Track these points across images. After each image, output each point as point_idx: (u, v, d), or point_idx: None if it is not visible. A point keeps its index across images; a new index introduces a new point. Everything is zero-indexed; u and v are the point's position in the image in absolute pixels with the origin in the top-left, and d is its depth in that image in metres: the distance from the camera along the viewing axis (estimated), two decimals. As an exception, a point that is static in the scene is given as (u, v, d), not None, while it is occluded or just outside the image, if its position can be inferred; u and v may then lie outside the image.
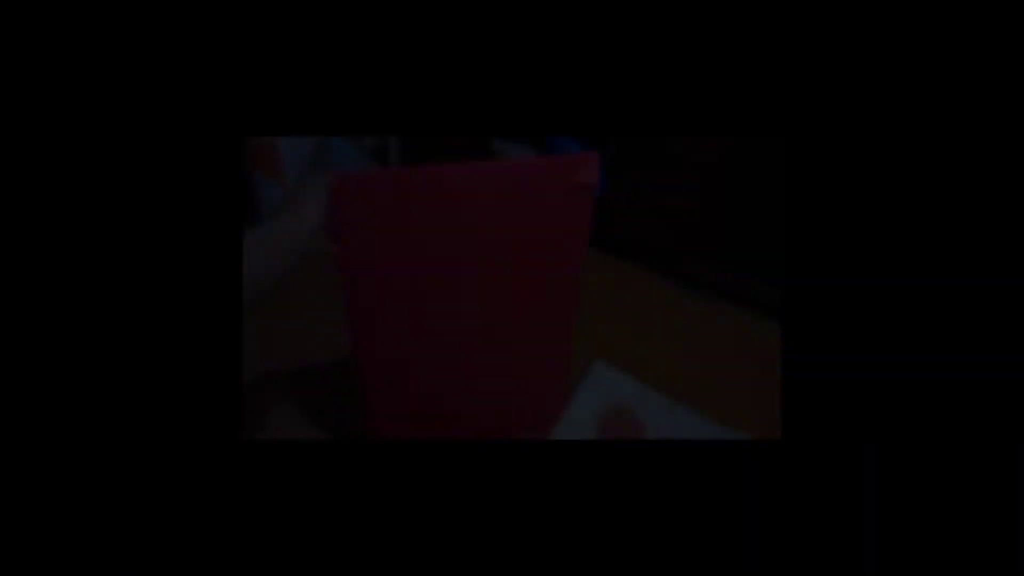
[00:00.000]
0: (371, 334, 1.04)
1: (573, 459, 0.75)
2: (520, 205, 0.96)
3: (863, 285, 0.66)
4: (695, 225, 1.62)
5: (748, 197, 1.50)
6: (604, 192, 1.72)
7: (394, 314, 1.02)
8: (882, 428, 0.65)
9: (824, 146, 0.68)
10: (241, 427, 1.18)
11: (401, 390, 1.13)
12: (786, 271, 0.79)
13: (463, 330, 1.08)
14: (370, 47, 0.72)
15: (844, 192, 0.67)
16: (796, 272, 0.68)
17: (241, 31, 0.68)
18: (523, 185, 0.95)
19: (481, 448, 0.75)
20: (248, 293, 0.76)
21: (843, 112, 0.68)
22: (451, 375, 1.14)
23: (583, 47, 0.75)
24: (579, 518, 0.71)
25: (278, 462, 0.71)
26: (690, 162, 1.53)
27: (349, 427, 1.27)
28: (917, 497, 0.64)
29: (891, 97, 0.66)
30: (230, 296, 0.65)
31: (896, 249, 0.66)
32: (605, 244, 1.81)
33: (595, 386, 1.43)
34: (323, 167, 1.76)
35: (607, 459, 0.75)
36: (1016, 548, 0.61)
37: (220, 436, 0.65)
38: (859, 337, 0.66)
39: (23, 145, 0.59)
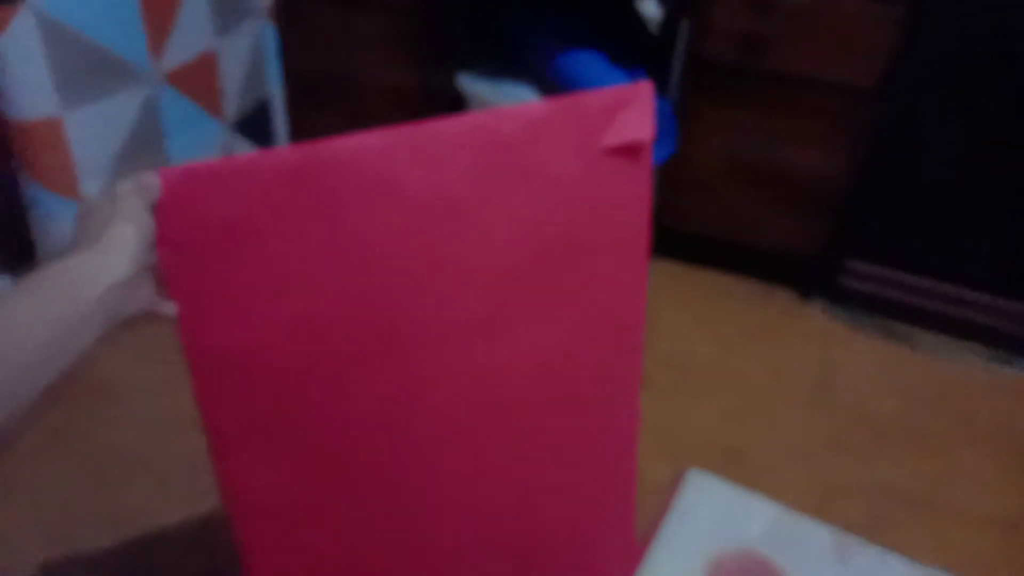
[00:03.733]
0: (243, 456, 0.82)
1: None
2: (514, 196, 0.79)
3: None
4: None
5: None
6: (671, 152, 1.55)
7: (284, 417, 0.81)
8: None
9: None
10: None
11: (306, 553, 0.89)
12: None
13: (417, 436, 0.86)
14: None
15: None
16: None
17: None
18: (517, 156, 0.78)
19: None
20: (14, 391, 0.64)
21: None
22: (398, 527, 0.90)
23: None
24: None
25: None
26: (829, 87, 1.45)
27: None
28: None
29: None
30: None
31: None
32: (679, 246, 1.75)
33: (695, 518, 1.22)
34: (147, 161, 1.60)
35: None
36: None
37: None
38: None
39: None
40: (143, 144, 1.52)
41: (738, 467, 1.30)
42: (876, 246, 1.62)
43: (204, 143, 1.67)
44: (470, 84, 1.69)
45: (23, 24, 1.19)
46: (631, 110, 0.79)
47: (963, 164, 1.51)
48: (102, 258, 0.69)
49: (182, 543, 1.19)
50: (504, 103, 1.65)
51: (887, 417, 1.42)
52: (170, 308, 0.75)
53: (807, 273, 1.68)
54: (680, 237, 1.73)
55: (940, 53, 1.43)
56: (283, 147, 1.70)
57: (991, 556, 1.17)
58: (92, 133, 1.41)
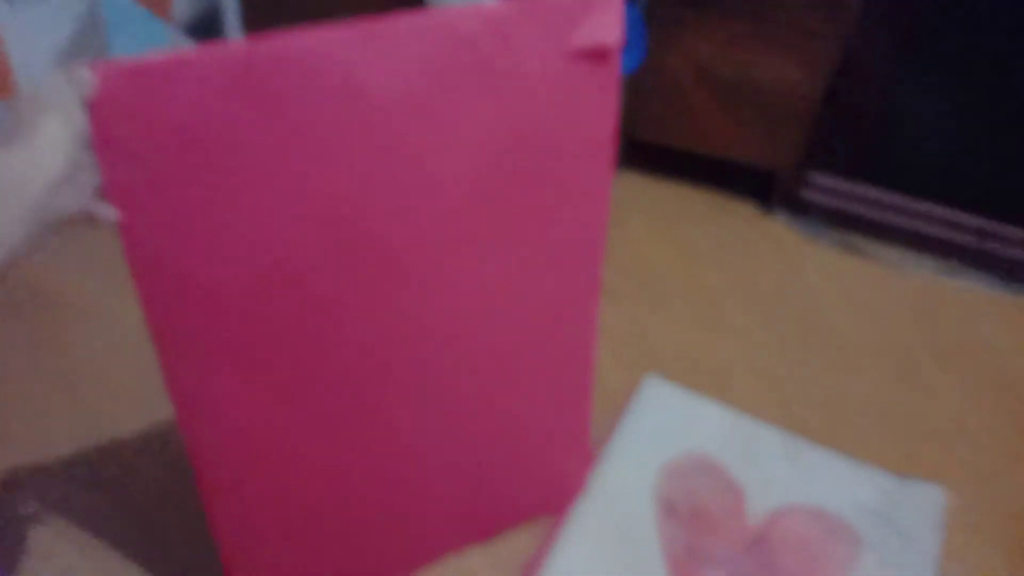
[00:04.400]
0: (194, 372, 0.78)
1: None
2: (478, 98, 0.76)
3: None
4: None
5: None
6: (640, 61, 1.52)
7: (239, 333, 0.77)
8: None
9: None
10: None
11: (274, 493, 0.88)
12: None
13: (386, 358, 0.84)
14: None
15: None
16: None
17: None
18: (480, 56, 0.75)
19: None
20: None
21: None
22: (360, 442, 0.89)
23: None
24: None
25: None
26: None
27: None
28: None
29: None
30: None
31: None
32: (645, 158, 1.70)
33: (650, 423, 1.23)
34: (88, 56, 1.56)
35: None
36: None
37: None
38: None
39: None
40: (85, 47, 1.45)
41: (696, 374, 1.33)
42: (838, 159, 1.63)
43: (150, 46, 1.60)
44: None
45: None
46: (599, 12, 0.76)
47: (926, 82, 1.51)
48: (30, 154, 0.67)
49: (136, 448, 1.19)
50: (466, 1, 1.62)
51: (844, 326, 1.45)
52: (109, 212, 0.72)
53: (770, 186, 1.69)
54: (646, 148, 1.71)
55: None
56: (232, 42, 1.61)
57: (941, 461, 1.22)
58: (30, 35, 1.35)
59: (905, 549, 1.08)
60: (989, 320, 1.47)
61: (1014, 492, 1.16)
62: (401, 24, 0.71)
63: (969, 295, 1.53)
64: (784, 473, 1.17)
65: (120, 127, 0.67)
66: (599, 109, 0.81)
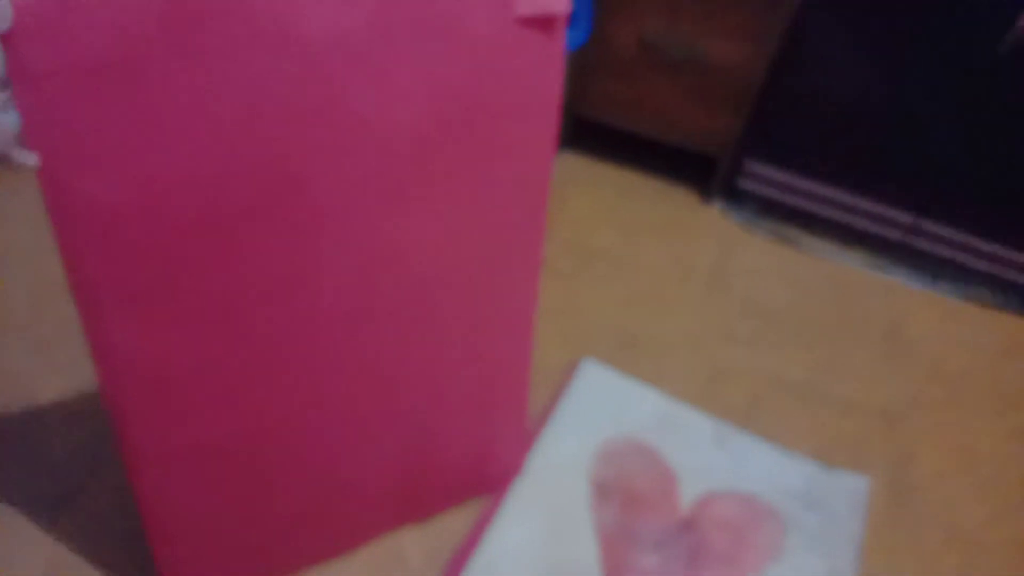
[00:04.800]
0: (117, 320, 0.73)
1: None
2: (421, 52, 0.74)
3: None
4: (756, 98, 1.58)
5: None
6: (587, 37, 1.51)
7: (164, 279, 0.74)
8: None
9: None
10: None
11: (198, 458, 0.83)
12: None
13: (310, 315, 0.81)
14: None
15: None
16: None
17: None
18: (425, 8, 0.72)
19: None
20: None
21: None
22: (289, 399, 0.85)
23: None
24: None
25: None
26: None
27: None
28: None
29: None
30: None
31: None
32: (589, 139, 1.71)
33: (586, 406, 1.23)
34: None
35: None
36: None
37: None
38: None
39: None
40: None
41: (632, 352, 1.33)
42: (776, 149, 1.65)
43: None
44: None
45: None
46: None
47: (865, 76, 1.53)
48: None
49: (59, 413, 1.14)
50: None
51: (774, 310, 1.48)
52: (28, 158, 0.67)
53: (709, 173, 1.70)
54: (591, 128, 1.71)
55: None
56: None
57: (862, 438, 1.25)
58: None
59: (829, 533, 1.10)
60: (915, 314, 1.51)
61: (934, 477, 1.20)
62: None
63: (897, 289, 1.57)
64: (715, 459, 1.18)
65: (40, 60, 0.63)
66: (543, 78, 0.79)
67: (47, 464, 1.07)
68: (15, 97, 0.63)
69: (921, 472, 1.20)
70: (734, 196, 1.71)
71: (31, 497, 1.02)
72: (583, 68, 1.59)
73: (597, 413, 1.22)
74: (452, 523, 1.03)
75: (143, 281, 0.72)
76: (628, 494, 1.11)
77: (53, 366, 1.17)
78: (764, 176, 1.66)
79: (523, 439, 1.13)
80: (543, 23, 0.74)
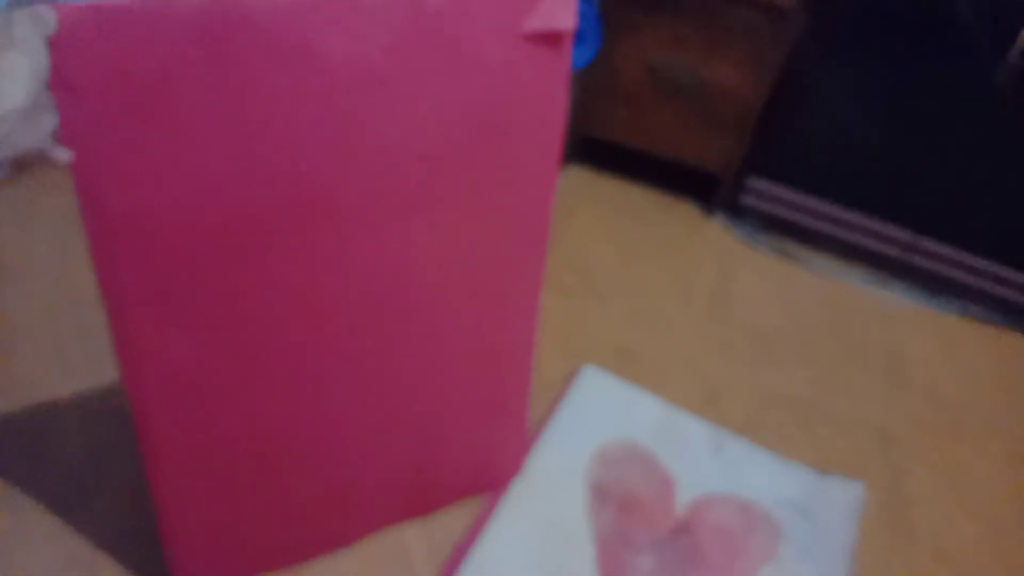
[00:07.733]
0: (143, 323, 0.76)
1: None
2: (434, 72, 0.76)
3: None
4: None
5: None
6: (594, 55, 1.52)
7: (189, 285, 0.76)
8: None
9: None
10: None
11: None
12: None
13: (326, 320, 0.84)
14: None
15: None
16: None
17: None
18: (440, 31, 0.75)
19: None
20: None
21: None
22: (304, 403, 0.88)
23: None
24: None
25: None
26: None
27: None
28: None
29: None
30: None
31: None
32: (592, 154, 1.73)
33: (585, 410, 1.24)
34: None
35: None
36: None
37: None
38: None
39: None
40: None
41: (631, 367, 1.34)
42: (777, 166, 1.67)
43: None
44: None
45: None
46: (554, -1, 0.76)
47: (864, 96, 1.56)
48: None
49: (76, 415, 1.15)
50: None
51: (774, 328, 1.49)
52: (63, 154, 0.70)
53: (711, 188, 1.71)
54: (595, 144, 1.73)
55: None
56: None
57: (858, 456, 1.26)
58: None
59: (822, 541, 1.11)
60: (913, 333, 1.52)
61: (928, 496, 1.21)
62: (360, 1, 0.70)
63: (895, 306, 1.58)
64: (711, 465, 1.19)
65: (78, 67, 0.66)
66: (549, 95, 0.81)
67: (63, 465, 1.08)
68: (54, 96, 0.66)
69: (915, 491, 1.21)
70: (736, 211, 1.72)
71: (47, 497, 1.03)
72: (590, 90, 1.62)
73: (596, 417, 1.22)
74: (454, 518, 1.05)
75: (170, 286, 0.75)
76: (625, 497, 1.12)
77: (70, 368, 1.18)
78: (765, 192, 1.68)
79: (524, 441, 1.15)
80: (549, 39, 0.76)
